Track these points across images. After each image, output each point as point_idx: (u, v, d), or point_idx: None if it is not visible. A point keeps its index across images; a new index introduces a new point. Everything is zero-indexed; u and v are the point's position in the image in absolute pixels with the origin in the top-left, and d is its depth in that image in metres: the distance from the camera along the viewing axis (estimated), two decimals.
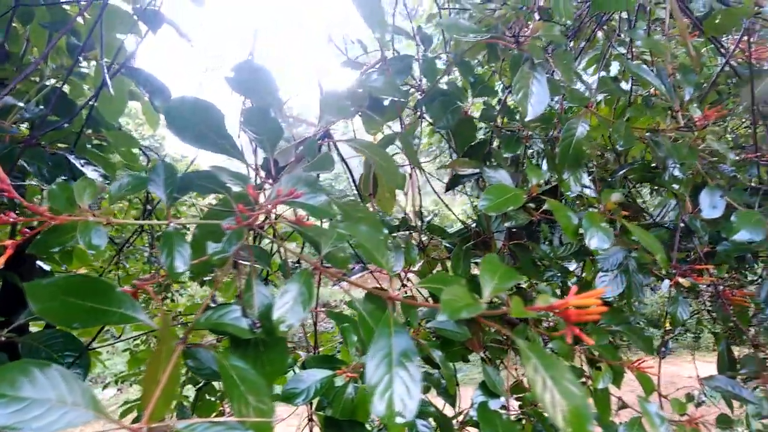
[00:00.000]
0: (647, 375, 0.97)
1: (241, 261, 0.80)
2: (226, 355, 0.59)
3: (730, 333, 1.31)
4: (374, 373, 0.52)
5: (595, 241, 0.80)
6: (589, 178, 1.33)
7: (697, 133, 0.96)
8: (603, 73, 1.11)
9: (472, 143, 1.16)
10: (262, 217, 0.61)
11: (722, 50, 1.40)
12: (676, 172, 0.98)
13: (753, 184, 1.27)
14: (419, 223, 1.23)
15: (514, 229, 1.09)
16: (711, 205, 0.98)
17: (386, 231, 1.11)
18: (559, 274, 1.19)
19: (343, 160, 1.30)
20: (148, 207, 1.84)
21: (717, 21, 1.13)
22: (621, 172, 1.41)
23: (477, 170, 1.01)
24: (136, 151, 1.63)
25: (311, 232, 0.68)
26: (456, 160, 1.03)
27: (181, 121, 0.69)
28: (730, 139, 1.71)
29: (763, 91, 1.37)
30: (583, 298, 0.51)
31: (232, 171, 0.67)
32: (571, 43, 1.60)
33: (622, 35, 1.35)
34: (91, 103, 1.14)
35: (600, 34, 1.56)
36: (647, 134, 0.99)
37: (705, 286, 1.21)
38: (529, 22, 0.85)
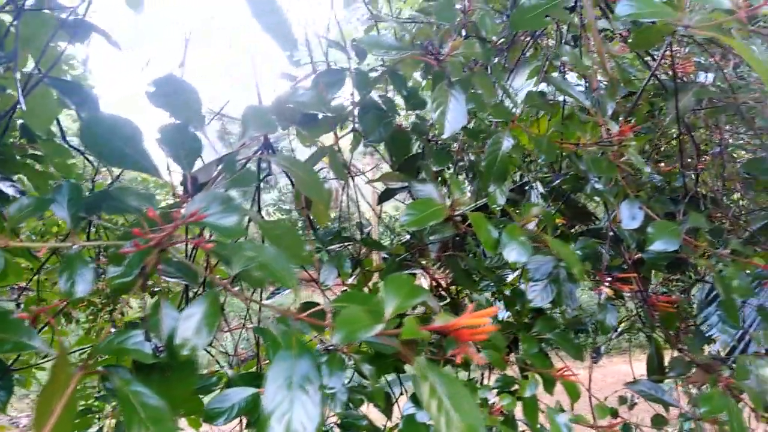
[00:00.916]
0: (572, 382, 1.00)
1: (167, 278, 0.78)
2: (127, 380, 0.57)
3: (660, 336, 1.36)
4: (273, 398, 0.52)
5: (513, 254, 0.82)
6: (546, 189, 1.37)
7: (616, 147, 0.99)
8: (531, 88, 1.14)
9: (407, 156, 1.17)
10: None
11: (649, 64, 1.46)
12: (597, 185, 1.02)
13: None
14: (362, 235, 1.23)
15: (446, 241, 1.11)
16: (630, 216, 1.02)
17: (320, 245, 1.11)
18: (492, 284, 1.21)
19: (285, 172, 1.29)
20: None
21: (641, 36, 1.17)
22: (556, 182, 1.45)
23: (406, 184, 1.02)
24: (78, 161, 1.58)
25: (225, 252, 0.67)
26: (385, 174, 1.04)
27: (98, 140, 0.67)
28: (655, 150, 1.78)
29: (688, 104, 1.43)
30: (475, 317, 0.52)
31: (137, 191, 0.65)
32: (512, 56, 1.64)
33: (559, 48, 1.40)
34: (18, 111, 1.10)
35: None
36: (570, 148, 1.02)
37: (632, 293, 1.26)
38: (451, 39, 0.86)
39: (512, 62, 1.40)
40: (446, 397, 0.52)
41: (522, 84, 1.57)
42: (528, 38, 1.44)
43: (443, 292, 1.18)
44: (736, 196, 1.95)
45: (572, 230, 1.57)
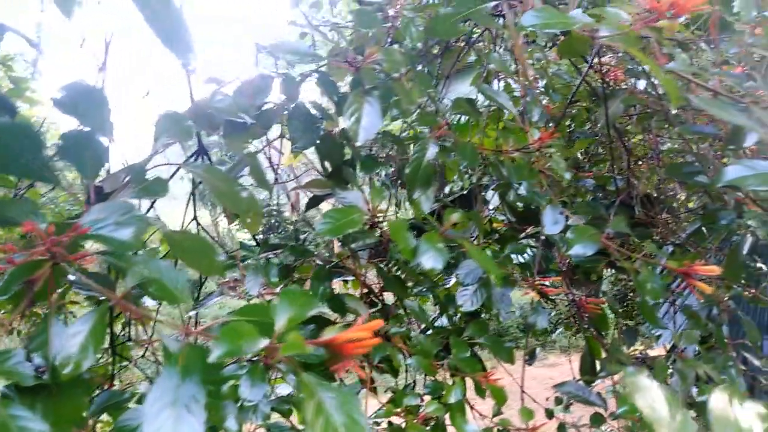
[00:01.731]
0: (498, 387, 1.01)
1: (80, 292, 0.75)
2: (6, 403, 0.55)
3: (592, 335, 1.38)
4: (154, 419, 0.50)
5: (429, 261, 0.82)
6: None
7: (537, 153, 1.01)
8: (458, 94, 1.15)
9: (339, 163, 1.16)
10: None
11: (581, 71, 1.50)
12: (521, 191, 1.03)
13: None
14: (298, 242, 1.22)
15: (377, 248, 1.11)
16: (553, 222, 1.04)
17: (247, 252, 1.09)
18: (424, 289, 1.21)
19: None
20: None
21: (566, 45, 1.20)
22: (493, 186, 1.47)
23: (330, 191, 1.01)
24: None
25: (120, 265, 0.65)
26: (311, 181, 1.03)
27: None
28: (593, 154, 1.82)
29: (617, 110, 1.47)
30: (359, 331, 0.52)
31: (21, 203, 0.63)
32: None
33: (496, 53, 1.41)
34: None
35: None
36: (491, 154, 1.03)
37: (564, 295, 1.28)
38: (369, 47, 0.86)
39: (447, 69, 1.42)
40: (336, 416, 0.52)
41: (463, 91, 1.59)
42: (463, 44, 1.45)
43: (375, 299, 1.18)
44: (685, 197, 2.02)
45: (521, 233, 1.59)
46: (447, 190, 2.08)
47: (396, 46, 1.03)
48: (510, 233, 1.53)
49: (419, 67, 1.26)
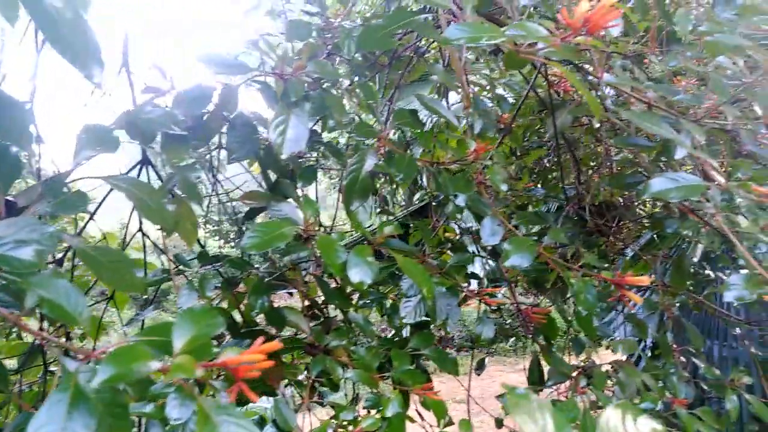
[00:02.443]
0: (436, 400, 1.01)
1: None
2: None
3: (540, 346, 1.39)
4: None
5: (357, 275, 0.81)
6: None
7: (476, 164, 1.01)
8: (399, 105, 1.14)
9: (283, 173, 1.15)
10: None
11: (528, 81, 1.52)
12: (459, 202, 1.03)
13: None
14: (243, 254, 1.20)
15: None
16: (491, 233, 1.04)
17: (182, 266, 1.07)
18: (368, 301, 1.20)
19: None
20: None
21: (509, 57, 1.20)
22: (437, 201, 1.48)
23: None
24: None
25: (19, 286, 0.62)
26: (248, 193, 1.01)
27: None
28: (547, 165, 1.84)
29: (565, 121, 1.49)
30: (252, 353, 0.51)
31: None
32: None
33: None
34: None
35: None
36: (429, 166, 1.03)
37: (509, 304, 1.29)
38: (297, 58, 0.85)
39: (396, 79, 1.41)
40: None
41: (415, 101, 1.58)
42: (413, 54, 1.45)
43: (318, 312, 1.16)
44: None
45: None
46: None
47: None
48: (461, 243, 1.53)
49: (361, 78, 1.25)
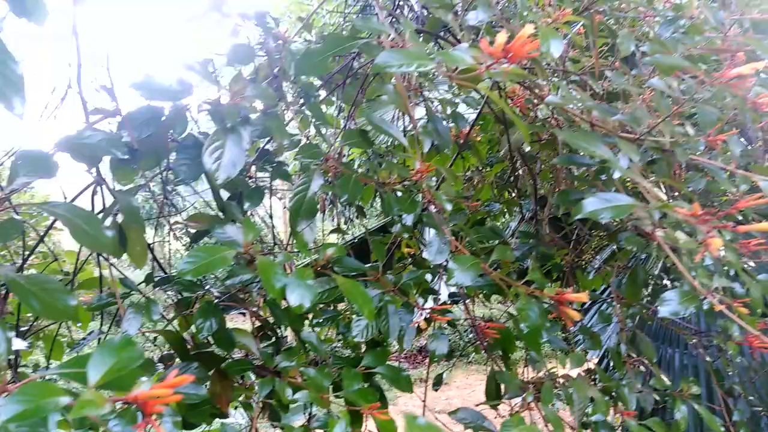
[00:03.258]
0: (384, 419, 1.01)
1: None
2: None
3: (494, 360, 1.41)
4: None
5: (296, 297, 0.82)
6: None
7: (418, 184, 1.03)
8: (351, 125, 1.16)
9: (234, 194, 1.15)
10: None
11: (483, 98, 1.54)
12: (406, 221, 1.05)
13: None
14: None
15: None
16: (438, 251, 1.06)
17: (127, 288, 1.06)
18: (322, 320, 1.21)
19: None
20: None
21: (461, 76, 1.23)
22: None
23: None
24: None
25: None
26: (193, 215, 1.01)
27: None
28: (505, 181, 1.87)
29: (519, 137, 1.52)
30: (160, 387, 0.51)
31: None
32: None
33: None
34: None
35: None
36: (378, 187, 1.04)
37: (463, 319, 1.30)
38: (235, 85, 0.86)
39: (351, 97, 1.43)
40: None
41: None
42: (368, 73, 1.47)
43: (269, 332, 1.16)
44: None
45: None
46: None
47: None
48: (421, 259, 1.55)
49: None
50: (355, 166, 1.33)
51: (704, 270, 0.99)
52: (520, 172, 1.57)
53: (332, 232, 1.63)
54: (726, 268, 1.20)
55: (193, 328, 1.13)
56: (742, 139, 1.67)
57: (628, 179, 1.24)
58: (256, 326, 1.15)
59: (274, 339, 1.15)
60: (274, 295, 0.83)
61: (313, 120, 1.09)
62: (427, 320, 1.28)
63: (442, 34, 1.51)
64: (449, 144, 1.42)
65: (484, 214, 1.65)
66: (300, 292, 0.82)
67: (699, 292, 0.97)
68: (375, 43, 0.98)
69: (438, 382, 1.51)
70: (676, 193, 1.52)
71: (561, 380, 1.31)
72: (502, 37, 0.67)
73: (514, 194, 1.65)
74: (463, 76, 0.80)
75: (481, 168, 1.92)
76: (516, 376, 1.21)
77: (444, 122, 1.61)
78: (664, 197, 1.13)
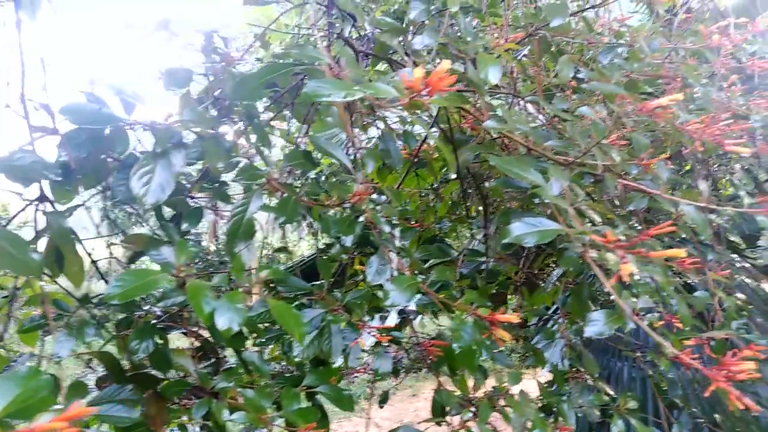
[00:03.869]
0: None
1: None
2: None
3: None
4: None
5: (223, 321, 0.82)
6: None
7: (356, 206, 1.04)
8: (292, 146, 1.17)
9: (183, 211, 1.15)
10: None
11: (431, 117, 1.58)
12: (346, 243, 1.06)
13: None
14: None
15: None
16: (377, 272, 1.08)
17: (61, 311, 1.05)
18: (264, 339, 1.21)
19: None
20: None
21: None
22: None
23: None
24: None
25: None
26: (130, 236, 1.01)
27: None
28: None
29: (467, 157, 1.55)
30: (59, 420, 0.51)
31: None
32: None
33: None
34: None
35: None
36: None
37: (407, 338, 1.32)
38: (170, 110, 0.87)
39: (301, 115, 1.45)
40: None
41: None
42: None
43: (209, 353, 1.16)
44: None
45: None
46: None
47: None
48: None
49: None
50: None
51: (629, 291, 1.03)
52: (470, 190, 1.60)
53: (277, 251, 1.64)
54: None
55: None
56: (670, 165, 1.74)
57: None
58: (195, 346, 1.15)
59: (214, 359, 1.15)
60: (203, 319, 0.83)
61: (256, 141, 1.10)
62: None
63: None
64: (400, 163, 1.44)
65: (436, 233, 1.67)
66: (229, 316, 0.82)
67: (624, 312, 1.01)
68: (317, 68, 1.00)
69: (383, 400, 1.52)
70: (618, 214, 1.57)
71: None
72: (419, 71, 0.70)
73: (464, 212, 1.69)
74: (398, 103, 0.83)
75: (437, 186, 1.95)
76: (452, 395, 1.23)
77: (397, 142, 1.64)
78: (598, 219, 1.17)
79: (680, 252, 0.83)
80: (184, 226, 1.04)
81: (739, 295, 1.85)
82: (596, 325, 0.99)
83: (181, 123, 0.88)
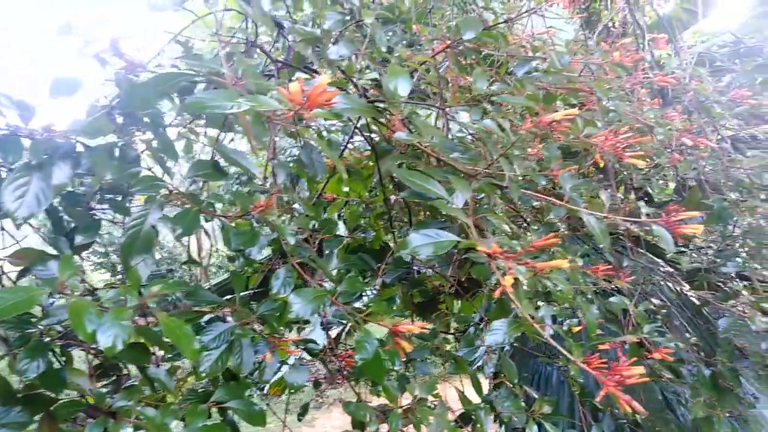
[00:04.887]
0: None
1: None
2: None
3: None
4: None
5: (108, 339, 0.79)
6: None
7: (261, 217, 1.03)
8: (200, 156, 1.15)
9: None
10: None
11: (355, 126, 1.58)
12: (250, 254, 1.05)
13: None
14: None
15: None
16: (283, 284, 1.06)
17: None
18: (171, 355, 1.17)
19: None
20: None
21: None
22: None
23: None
24: None
25: None
26: (16, 252, 0.96)
27: None
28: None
29: (390, 167, 1.56)
30: None
31: None
32: None
33: None
34: None
35: None
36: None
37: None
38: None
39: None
40: None
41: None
42: None
43: (110, 370, 1.12)
44: None
45: None
46: None
47: None
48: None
49: None
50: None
51: (529, 301, 1.05)
52: (393, 199, 1.61)
53: (185, 263, 1.59)
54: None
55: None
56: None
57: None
58: (94, 364, 1.10)
59: (115, 377, 1.11)
60: (85, 339, 0.80)
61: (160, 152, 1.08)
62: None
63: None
64: (321, 173, 1.43)
65: (362, 242, 1.67)
66: (113, 333, 0.80)
67: (526, 321, 1.03)
68: (218, 79, 0.98)
69: (303, 413, 1.50)
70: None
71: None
72: (294, 86, 0.70)
73: (388, 221, 1.69)
74: (283, 116, 0.82)
75: (367, 195, 1.95)
76: (363, 406, 1.22)
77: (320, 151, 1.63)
78: (507, 229, 1.20)
79: (563, 262, 0.86)
80: (79, 239, 1.00)
81: (655, 300, 1.92)
82: (497, 333, 1.01)
83: (66, 133, 0.84)
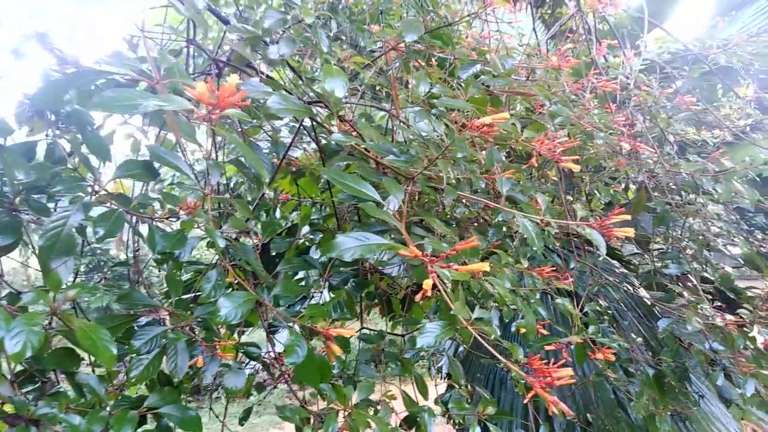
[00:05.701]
0: None
1: None
2: None
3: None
4: None
5: (13, 345, 0.77)
6: None
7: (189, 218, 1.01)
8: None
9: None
10: None
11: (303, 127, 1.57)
12: (183, 257, 1.03)
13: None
14: None
15: None
16: (213, 287, 1.05)
17: None
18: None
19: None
20: None
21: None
22: None
23: None
24: None
25: None
26: None
27: None
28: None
29: (337, 168, 1.55)
30: None
31: None
32: None
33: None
34: None
35: None
36: None
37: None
38: None
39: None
40: None
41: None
42: None
43: (36, 375, 1.08)
44: None
45: None
46: None
47: None
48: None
49: None
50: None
51: (462, 303, 1.05)
52: (333, 204, 1.60)
53: (115, 265, 1.57)
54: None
55: None
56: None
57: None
58: (17, 370, 1.06)
59: (39, 383, 1.07)
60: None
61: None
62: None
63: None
64: (265, 173, 1.42)
65: (311, 242, 1.66)
66: (22, 339, 0.77)
67: (459, 323, 1.03)
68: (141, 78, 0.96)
69: (245, 417, 1.48)
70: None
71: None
72: (201, 86, 0.68)
73: (335, 223, 1.68)
74: (195, 116, 0.80)
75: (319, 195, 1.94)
76: (298, 410, 1.21)
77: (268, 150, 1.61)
78: (441, 230, 1.20)
79: (484, 265, 0.86)
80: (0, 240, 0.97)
81: (602, 302, 1.96)
82: (428, 336, 1.00)
83: None
